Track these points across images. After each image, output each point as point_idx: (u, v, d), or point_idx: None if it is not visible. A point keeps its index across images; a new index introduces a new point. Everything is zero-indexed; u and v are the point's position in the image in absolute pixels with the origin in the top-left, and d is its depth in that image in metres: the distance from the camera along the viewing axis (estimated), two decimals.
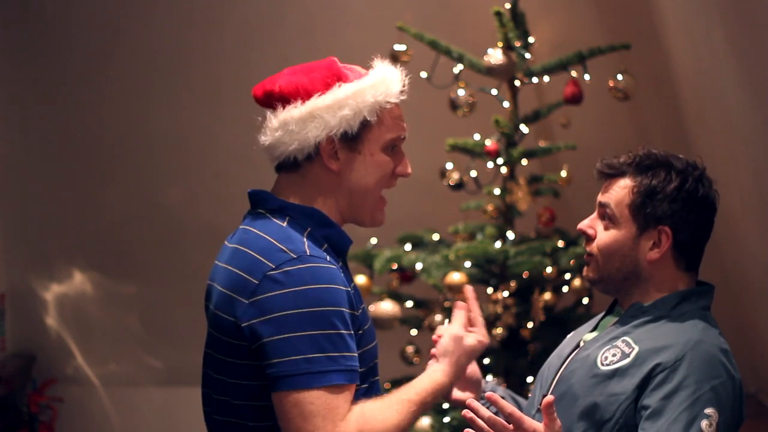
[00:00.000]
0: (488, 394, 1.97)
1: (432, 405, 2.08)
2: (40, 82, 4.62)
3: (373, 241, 3.97)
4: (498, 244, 3.74)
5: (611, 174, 2.14)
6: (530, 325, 3.73)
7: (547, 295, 3.80)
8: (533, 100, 4.21)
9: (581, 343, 2.17)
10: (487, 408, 2.03)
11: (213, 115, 4.59)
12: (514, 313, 3.70)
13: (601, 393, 2.02)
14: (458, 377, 2.13)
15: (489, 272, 3.84)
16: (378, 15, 4.39)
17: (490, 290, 3.78)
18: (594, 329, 2.21)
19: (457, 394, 2.26)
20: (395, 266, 3.86)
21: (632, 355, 2.02)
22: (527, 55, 3.73)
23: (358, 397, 2.01)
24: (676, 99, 4.13)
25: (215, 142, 4.61)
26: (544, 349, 3.75)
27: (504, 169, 3.80)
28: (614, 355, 2.05)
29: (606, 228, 2.13)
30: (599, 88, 3.77)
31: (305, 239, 1.98)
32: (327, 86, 2.02)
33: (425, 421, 3.72)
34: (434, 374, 2.09)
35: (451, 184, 3.88)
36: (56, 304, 4.77)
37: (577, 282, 3.84)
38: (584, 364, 2.08)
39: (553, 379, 2.15)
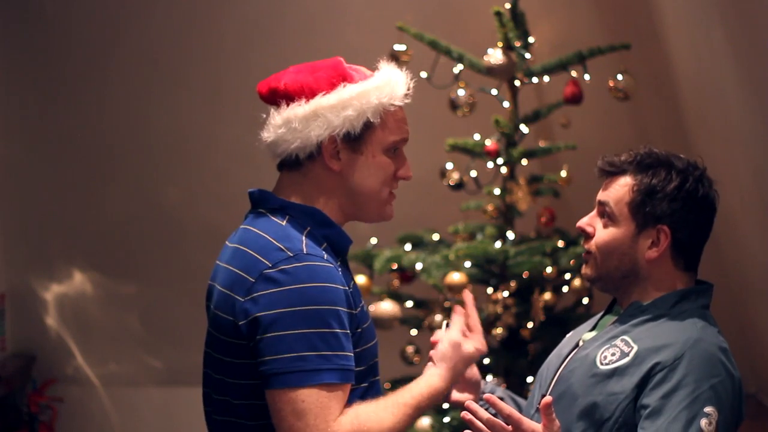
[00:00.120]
0: (486, 395, 1.97)
1: (427, 409, 2.08)
2: (40, 82, 4.62)
3: (373, 241, 3.97)
4: (498, 244, 3.74)
5: (612, 172, 2.14)
6: (530, 325, 3.73)
7: (547, 295, 3.80)
8: (533, 100, 4.21)
9: (580, 343, 2.17)
10: (486, 410, 2.03)
11: (213, 115, 4.59)
12: (514, 313, 3.70)
13: (601, 392, 2.02)
14: (455, 383, 2.13)
15: (489, 272, 3.84)
16: (378, 15, 4.39)
17: (490, 290, 3.78)
18: (593, 328, 2.21)
19: (456, 395, 2.27)
20: (395, 266, 3.86)
21: (631, 354, 2.02)
22: (527, 55, 3.73)
23: (357, 396, 2.01)
24: (676, 99, 4.13)
25: (215, 142, 4.61)
26: (544, 349, 3.75)
27: (504, 169, 3.80)
28: (613, 354, 2.05)
29: (605, 226, 2.13)
30: (599, 88, 3.77)
31: (304, 238, 1.99)
32: (332, 86, 2.02)
33: (425, 422, 3.72)
34: (431, 379, 2.09)
35: (451, 184, 3.88)
36: (56, 304, 4.77)
37: (577, 282, 3.84)
38: (583, 363, 2.08)
39: (552, 379, 2.15)
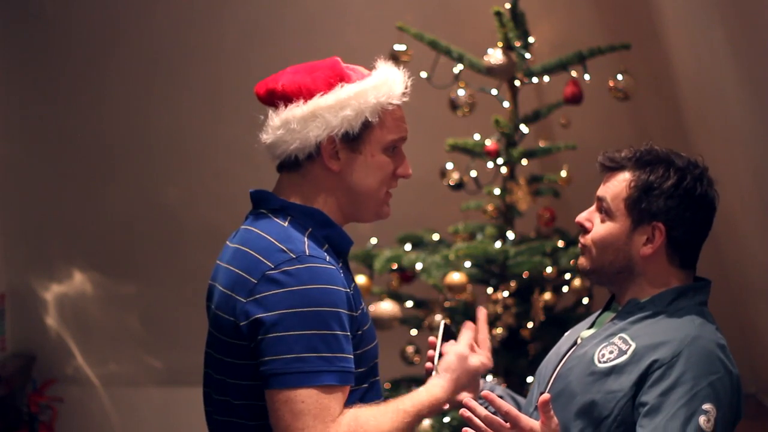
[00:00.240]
0: (485, 393, 1.97)
1: (427, 418, 2.08)
2: (40, 82, 4.62)
3: (373, 241, 3.97)
4: (498, 244, 3.74)
5: (611, 167, 2.15)
6: (530, 325, 3.74)
7: (547, 295, 3.80)
8: (533, 100, 4.21)
9: (578, 340, 2.18)
10: (485, 407, 2.03)
11: (213, 115, 4.59)
12: (514, 313, 3.70)
13: (599, 390, 2.02)
14: (456, 395, 2.12)
15: (489, 272, 3.84)
16: (378, 15, 4.39)
17: (490, 290, 3.78)
18: (591, 326, 2.22)
19: None
20: (395, 266, 3.86)
21: (629, 352, 2.02)
22: (527, 55, 3.73)
23: (357, 397, 2.01)
24: (676, 99, 4.13)
25: (215, 142, 4.61)
26: (544, 349, 3.75)
27: (504, 169, 3.80)
28: (611, 352, 2.05)
29: (602, 221, 2.14)
30: (599, 88, 3.77)
31: (306, 239, 1.98)
32: (329, 86, 2.02)
33: (425, 422, 3.72)
34: (432, 389, 2.08)
35: (451, 184, 3.88)
36: (56, 304, 4.77)
37: (577, 282, 3.84)
38: (581, 361, 2.08)
39: (551, 377, 2.15)
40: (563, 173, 3.90)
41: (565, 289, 3.89)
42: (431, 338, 2.25)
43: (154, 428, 4.87)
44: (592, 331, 2.18)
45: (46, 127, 4.67)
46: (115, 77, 4.60)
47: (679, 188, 2.08)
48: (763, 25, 2.94)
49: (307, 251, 1.95)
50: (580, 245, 2.18)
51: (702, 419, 1.93)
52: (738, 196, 3.67)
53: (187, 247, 4.66)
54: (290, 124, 2.01)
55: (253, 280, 1.95)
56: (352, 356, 1.95)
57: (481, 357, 2.15)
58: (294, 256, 1.94)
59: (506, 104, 3.81)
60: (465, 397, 2.01)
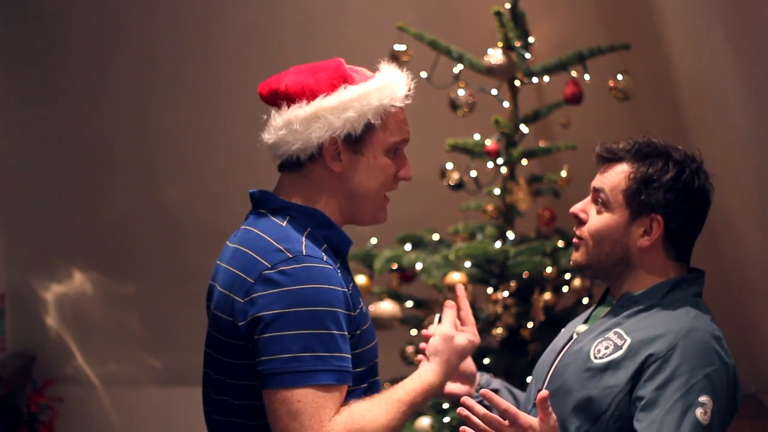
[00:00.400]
0: (483, 391, 1.98)
1: (422, 404, 2.08)
2: (40, 82, 4.62)
3: (373, 241, 3.97)
4: (498, 244, 3.74)
5: (609, 158, 2.15)
6: (530, 325, 3.74)
7: (547, 295, 3.80)
8: (533, 100, 4.21)
9: (574, 336, 2.18)
10: (483, 405, 2.03)
11: (213, 115, 4.59)
12: (514, 313, 3.70)
13: (595, 386, 2.02)
14: (449, 377, 2.13)
15: (489, 272, 3.84)
16: (378, 15, 4.39)
17: (490, 290, 3.78)
18: (586, 321, 2.22)
19: (450, 387, 2.27)
20: (395, 266, 3.86)
21: (625, 347, 2.02)
22: (527, 55, 3.73)
23: (356, 396, 2.02)
24: (676, 99, 4.13)
25: (215, 142, 4.61)
26: (543, 349, 3.73)
27: (504, 169, 3.80)
28: (607, 347, 2.05)
29: (598, 212, 2.14)
30: (599, 88, 3.77)
31: (304, 239, 1.99)
32: (333, 87, 2.02)
33: (425, 421, 3.72)
34: (424, 374, 2.09)
35: (451, 184, 3.88)
36: (56, 304, 4.77)
37: (577, 282, 3.84)
38: (577, 357, 2.09)
39: (548, 374, 2.15)
40: (563, 173, 3.90)
41: (565, 289, 3.89)
42: (425, 332, 2.26)
43: (154, 428, 4.87)
44: (587, 326, 2.18)
45: (46, 127, 4.67)
46: (115, 77, 4.60)
47: (678, 181, 2.09)
48: (763, 25, 2.94)
49: (304, 251, 1.96)
50: (575, 240, 2.18)
51: (699, 411, 1.93)
52: (738, 196, 3.66)
53: (187, 247, 4.66)
54: (293, 124, 2.01)
55: (250, 279, 1.95)
56: (349, 356, 1.95)
57: (467, 334, 2.16)
58: (291, 256, 1.94)
59: (506, 104, 3.81)
60: (464, 397, 2.01)
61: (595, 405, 2.01)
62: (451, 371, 2.13)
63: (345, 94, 2.01)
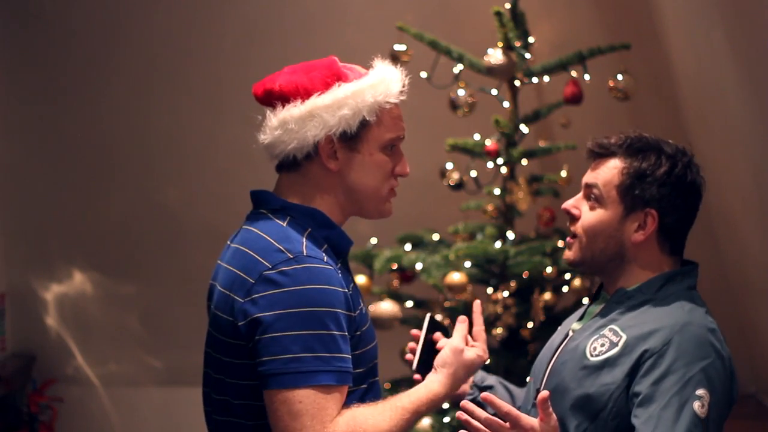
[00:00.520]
0: (484, 395, 1.97)
1: (426, 414, 2.08)
2: (40, 82, 4.62)
3: (373, 241, 3.97)
4: (498, 244, 3.74)
5: (601, 154, 2.15)
6: (530, 325, 3.73)
7: (547, 295, 3.80)
8: (533, 100, 4.21)
9: (570, 333, 2.18)
10: (484, 408, 2.03)
11: (213, 115, 4.59)
12: (514, 313, 3.70)
13: (592, 384, 2.02)
14: (456, 389, 2.13)
15: (489, 272, 3.84)
16: (378, 15, 4.39)
17: (490, 290, 3.78)
18: (581, 318, 2.22)
19: None
20: (395, 266, 3.86)
21: (620, 344, 2.02)
22: (527, 55, 3.73)
23: (357, 397, 2.02)
24: (676, 99, 4.13)
25: (215, 142, 4.62)
26: None
27: (504, 169, 3.80)
28: (602, 345, 2.05)
29: (591, 208, 2.14)
30: (599, 88, 3.77)
31: (304, 239, 1.99)
32: (326, 86, 2.02)
33: (425, 422, 3.72)
34: (431, 384, 2.08)
35: (451, 184, 3.88)
36: (56, 304, 4.77)
37: (577, 282, 3.84)
38: (574, 355, 2.09)
39: (545, 372, 2.15)
40: (563, 173, 3.90)
41: (565, 289, 3.89)
42: (414, 330, 2.26)
43: (154, 428, 4.87)
44: (582, 323, 2.18)
45: (46, 127, 4.67)
46: (115, 77, 4.60)
47: (671, 175, 2.09)
48: (763, 25, 2.94)
49: (304, 251, 1.95)
50: (568, 239, 2.18)
51: (696, 404, 1.93)
52: (738, 196, 3.67)
53: (187, 247, 4.66)
54: (288, 124, 2.01)
55: (250, 280, 1.95)
56: (349, 356, 1.95)
57: (477, 350, 2.16)
58: (291, 257, 1.94)
59: (506, 104, 3.81)
60: (464, 401, 2.01)
61: (593, 402, 2.01)
62: (458, 384, 2.13)
63: (339, 91, 2.01)
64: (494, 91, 3.85)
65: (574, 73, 3.75)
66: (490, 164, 3.81)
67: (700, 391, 1.94)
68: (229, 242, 2.11)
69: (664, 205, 2.09)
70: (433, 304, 3.85)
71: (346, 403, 1.96)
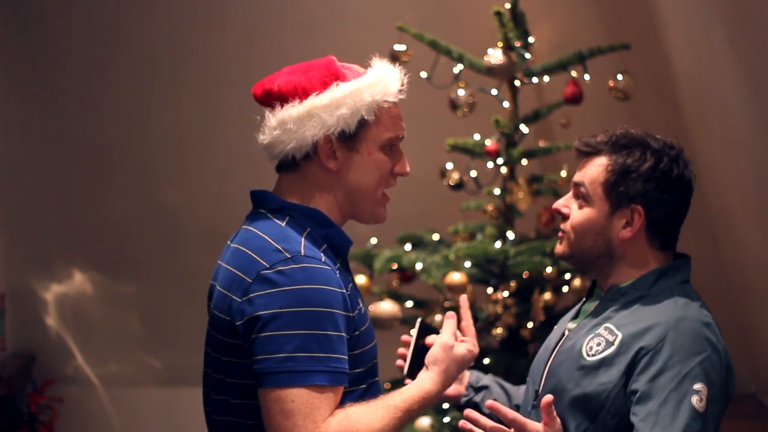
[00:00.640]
0: (488, 403, 1.98)
1: (419, 412, 2.07)
2: (40, 82, 4.62)
3: (373, 241, 3.97)
4: (498, 244, 3.74)
5: (588, 152, 2.15)
6: (530, 325, 3.73)
7: (547, 295, 3.80)
8: (533, 100, 4.21)
9: (566, 332, 2.18)
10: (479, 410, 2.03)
11: (213, 115, 4.59)
12: (514, 313, 3.70)
13: (590, 384, 2.02)
14: (448, 386, 2.13)
15: (489, 272, 3.84)
16: (378, 15, 4.39)
17: (490, 290, 3.78)
18: (576, 316, 2.21)
19: None
20: (395, 266, 3.86)
21: (616, 343, 2.02)
22: (527, 55, 3.73)
23: (356, 397, 2.02)
24: (676, 99, 4.13)
25: (215, 142, 4.62)
26: None
27: (504, 169, 3.80)
28: (598, 344, 2.05)
29: (580, 207, 2.14)
30: (599, 88, 3.77)
31: (303, 239, 1.99)
32: (325, 85, 2.02)
33: (425, 421, 3.72)
34: (423, 382, 2.08)
35: (451, 184, 3.88)
36: (56, 304, 4.77)
37: (577, 282, 3.84)
38: (570, 355, 2.09)
39: (543, 373, 2.15)
40: (563, 173, 3.90)
41: (565, 289, 3.89)
42: (405, 336, 2.26)
43: (154, 428, 4.87)
44: (577, 321, 2.18)
45: (46, 127, 4.67)
46: (115, 77, 4.61)
47: (656, 170, 2.08)
48: (763, 25, 2.94)
49: (302, 251, 1.95)
50: (559, 233, 2.18)
51: (694, 399, 1.93)
52: (738, 196, 3.66)
53: (187, 247, 4.66)
54: (287, 124, 2.01)
55: (248, 279, 1.95)
56: (345, 357, 1.95)
57: (467, 344, 2.16)
58: (289, 256, 1.94)
59: (506, 104, 3.81)
60: (467, 410, 2.01)
61: (592, 402, 2.01)
62: (450, 381, 2.13)
63: (337, 91, 2.01)
64: (494, 91, 3.85)
65: (574, 73, 3.75)
66: (490, 164, 3.81)
67: (697, 386, 1.94)
68: (229, 242, 2.11)
69: (650, 201, 2.08)
70: (433, 304, 3.85)
71: (344, 404, 1.96)
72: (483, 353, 3.72)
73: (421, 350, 2.22)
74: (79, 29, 4.58)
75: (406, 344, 2.26)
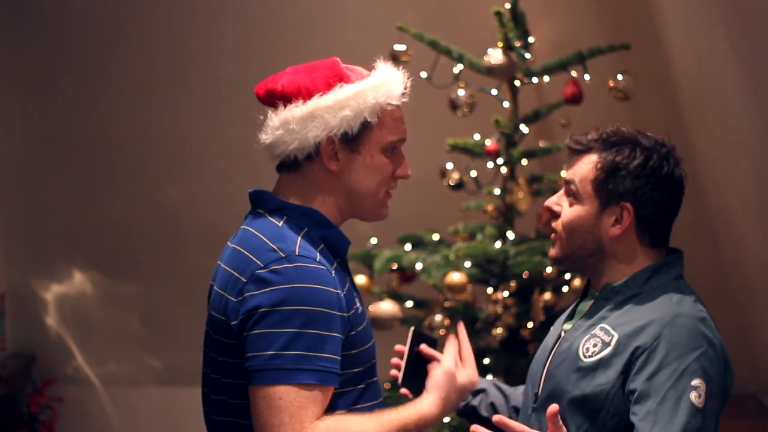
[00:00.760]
0: (495, 418, 1.98)
1: None
2: (40, 82, 4.62)
3: (373, 241, 3.97)
4: (498, 244, 3.74)
5: (578, 150, 2.15)
6: (530, 325, 3.73)
7: (547, 295, 3.80)
8: (533, 100, 4.21)
9: (562, 333, 2.18)
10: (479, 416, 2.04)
11: (213, 115, 4.59)
12: (514, 313, 3.70)
13: (588, 385, 2.02)
14: (446, 413, 2.13)
15: (489, 272, 3.84)
16: (378, 15, 4.39)
17: (490, 290, 3.78)
18: (572, 317, 2.21)
19: None
20: (395, 266, 3.86)
21: (612, 343, 2.02)
22: (527, 55, 3.73)
23: (354, 397, 2.02)
24: (676, 99, 4.13)
25: (215, 142, 4.62)
26: None
27: (504, 169, 3.80)
28: (595, 345, 2.05)
29: (570, 205, 2.14)
30: (599, 88, 3.77)
31: (299, 239, 1.99)
32: (328, 86, 2.02)
33: None
34: (421, 404, 2.09)
35: (451, 184, 3.88)
36: (56, 304, 4.77)
37: (577, 282, 3.84)
38: (568, 357, 2.08)
39: (541, 376, 2.15)
40: (563, 173, 3.89)
41: (565, 289, 3.89)
42: (398, 346, 2.26)
43: (154, 428, 4.87)
44: (573, 322, 2.18)
45: (46, 127, 4.67)
46: (115, 77, 4.61)
47: (645, 168, 2.08)
48: (763, 25, 2.94)
49: (297, 251, 1.95)
50: (552, 235, 2.18)
51: (693, 395, 1.93)
52: (738, 196, 3.67)
53: (187, 247, 4.66)
54: (289, 124, 2.01)
55: (243, 279, 1.95)
56: (336, 357, 1.94)
57: (468, 372, 2.17)
58: (283, 255, 1.94)
59: (506, 104, 3.81)
60: (474, 426, 2.01)
61: (591, 403, 2.01)
62: (449, 408, 2.14)
63: (341, 92, 2.01)
64: (494, 91, 3.85)
65: (574, 73, 3.75)
66: (490, 164, 3.81)
67: (695, 382, 1.94)
68: (228, 242, 2.11)
69: (640, 198, 2.08)
70: (433, 304, 3.85)
71: (344, 404, 1.96)
72: (483, 353, 3.72)
73: (415, 358, 2.22)
74: (79, 29, 4.58)
75: (400, 354, 2.26)
